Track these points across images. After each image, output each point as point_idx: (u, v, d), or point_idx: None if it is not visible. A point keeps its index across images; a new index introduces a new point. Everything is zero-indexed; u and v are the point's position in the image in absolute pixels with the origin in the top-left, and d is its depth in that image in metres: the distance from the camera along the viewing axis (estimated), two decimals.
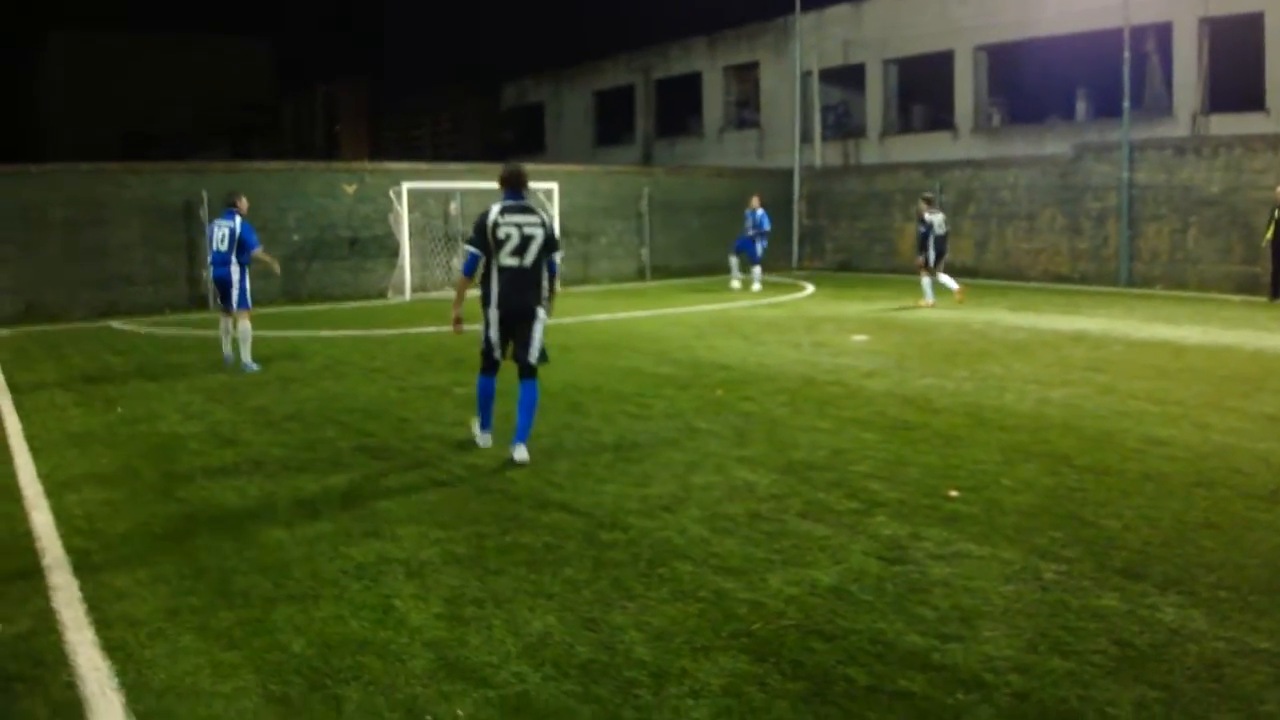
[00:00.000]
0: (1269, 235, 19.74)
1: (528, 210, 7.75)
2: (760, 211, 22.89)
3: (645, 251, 26.26)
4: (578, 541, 5.84)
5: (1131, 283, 22.77)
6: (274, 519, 6.41)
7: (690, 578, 5.26)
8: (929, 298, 18.55)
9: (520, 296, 7.68)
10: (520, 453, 7.66)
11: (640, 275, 25.90)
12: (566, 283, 23.35)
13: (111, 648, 4.59)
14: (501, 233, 7.56)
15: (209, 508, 6.73)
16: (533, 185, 22.98)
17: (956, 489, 6.77)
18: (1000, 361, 12.25)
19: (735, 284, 22.44)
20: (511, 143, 45.99)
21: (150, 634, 4.71)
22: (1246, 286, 21.17)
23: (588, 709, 3.93)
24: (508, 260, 7.59)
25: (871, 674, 4.21)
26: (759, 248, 22.82)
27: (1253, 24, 23.84)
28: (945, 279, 18.68)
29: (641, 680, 4.15)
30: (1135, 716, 3.89)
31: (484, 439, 8.18)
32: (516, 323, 7.74)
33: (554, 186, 23.57)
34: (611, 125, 41.49)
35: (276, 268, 14.21)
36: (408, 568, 5.46)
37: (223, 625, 4.78)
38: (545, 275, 7.80)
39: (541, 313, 7.79)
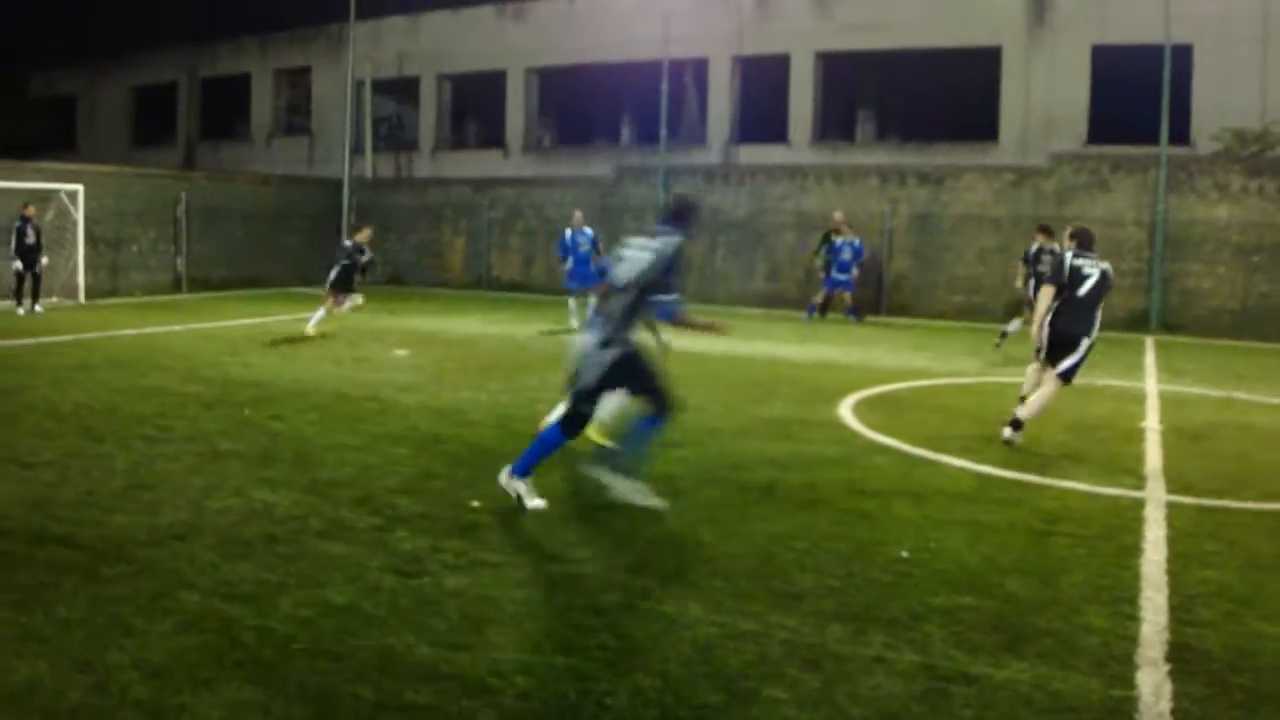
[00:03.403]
0: (819, 255, 21.74)
1: None
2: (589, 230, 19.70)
3: (182, 261, 24.75)
4: (76, 578, 5.34)
5: None
6: None
7: (197, 608, 4.97)
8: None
9: None
10: None
11: (176, 287, 24.38)
12: (91, 295, 21.60)
13: None
14: None
15: None
16: (56, 186, 21.21)
17: (479, 499, 6.88)
18: (537, 373, 12.64)
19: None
20: (38, 137, 41.79)
21: None
22: (768, 301, 23.24)
23: None
24: None
25: (379, 690, 4.17)
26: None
27: (779, 64, 26.28)
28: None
29: None
30: (630, 703, 4.11)
31: None
32: None
33: (79, 189, 21.69)
34: (152, 125, 38.82)
35: None
36: None
37: None
38: None
39: None
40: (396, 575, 5.46)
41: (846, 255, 21.29)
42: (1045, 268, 14.98)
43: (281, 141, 34.88)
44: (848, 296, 21.42)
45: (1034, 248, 15.80)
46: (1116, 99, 22.73)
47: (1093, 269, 9.86)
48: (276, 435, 8.87)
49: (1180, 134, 21.56)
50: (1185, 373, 14.31)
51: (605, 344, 6.60)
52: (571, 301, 17.66)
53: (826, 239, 21.72)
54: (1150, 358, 15.97)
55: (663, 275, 6.61)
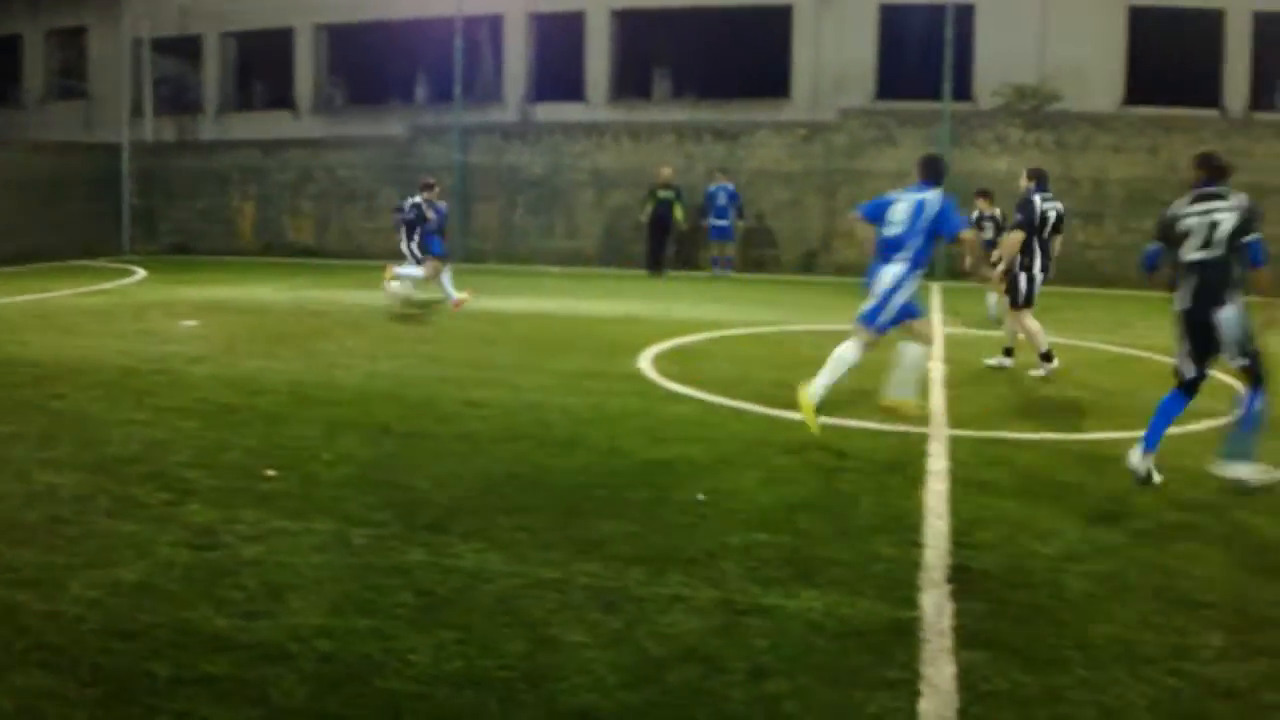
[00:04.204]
0: (648, 211, 21.85)
1: None
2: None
3: None
4: None
5: (468, 258, 24.04)
6: None
7: None
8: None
9: None
10: None
11: None
12: None
13: None
14: None
15: None
16: None
17: (275, 468, 6.75)
18: (333, 339, 12.39)
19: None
20: None
21: None
22: (567, 259, 23.33)
23: None
24: None
25: (175, 664, 4.08)
26: None
27: (575, 21, 26.20)
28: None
29: None
30: (433, 658, 4.15)
31: None
32: None
33: None
34: None
35: None
36: None
37: None
38: None
39: None
40: (190, 549, 5.33)
41: (722, 200, 21.45)
42: (989, 234, 14.88)
43: (56, 106, 32.84)
44: (728, 248, 21.74)
45: (974, 215, 15.21)
46: (903, 56, 23.55)
47: (1052, 209, 10.46)
48: (59, 415, 8.45)
49: (963, 90, 22.51)
50: (967, 316, 15.06)
51: (1235, 304, 6.51)
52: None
53: (652, 195, 21.88)
54: (936, 302, 16.73)
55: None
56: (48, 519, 5.84)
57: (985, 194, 15.53)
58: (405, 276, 15.07)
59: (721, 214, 21.57)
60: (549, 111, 26.42)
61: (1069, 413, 8.93)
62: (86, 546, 5.39)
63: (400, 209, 15.54)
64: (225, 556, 5.24)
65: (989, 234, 14.96)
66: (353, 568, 5.09)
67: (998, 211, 15.36)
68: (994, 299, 14.31)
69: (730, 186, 21.64)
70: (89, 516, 5.88)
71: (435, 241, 16.20)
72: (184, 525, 5.70)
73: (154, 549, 5.34)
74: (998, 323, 13.12)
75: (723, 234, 21.65)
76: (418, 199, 15.27)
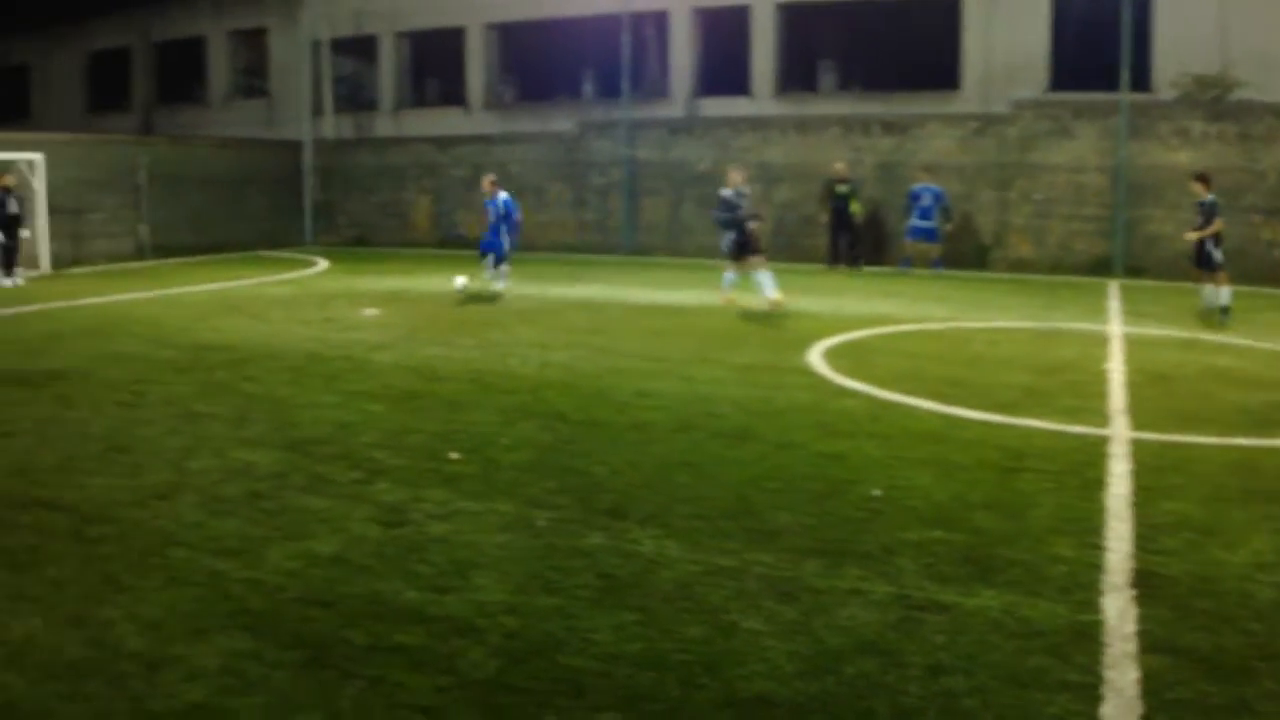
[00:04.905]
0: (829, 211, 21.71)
1: None
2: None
3: (144, 228, 24.48)
4: (63, 539, 5.42)
5: (635, 251, 24.32)
6: None
7: (185, 563, 5.07)
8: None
9: None
10: None
11: (140, 254, 24.10)
12: (55, 265, 21.34)
13: None
14: None
15: None
16: (13, 156, 20.88)
17: (457, 451, 6.97)
18: (506, 329, 12.68)
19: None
20: None
21: None
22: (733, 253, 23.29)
23: (76, 707, 3.73)
24: None
25: (370, 633, 4.29)
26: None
27: (739, 16, 26.18)
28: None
29: (134, 671, 3.99)
30: (615, 638, 4.26)
31: None
32: None
33: (38, 158, 21.30)
34: (107, 90, 38.12)
35: None
36: None
37: None
38: None
39: None
40: (380, 525, 5.57)
41: (926, 201, 20.90)
42: (1202, 219, 14.00)
43: (240, 104, 34.36)
44: (933, 249, 21.13)
45: (1208, 199, 14.11)
46: (1077, 45, 22.80)
47: None
48: (251, 397, 8.90)
49: (1141, 80, 21.66)
50: (1149, 315, 14.49)
51: None
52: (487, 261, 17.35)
53: (830, 191, 21.66)
54: (1114, 301, 16.17)
55: None
56: (246, 494, 6.17)
57: (1203, 179, 14.43)
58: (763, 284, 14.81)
59: (926, 214, 20.89)
60: (715, 106, 26.45)
61: (1257, 418, 8.51)
62: (283, 520, 5.68)
63: None
64: (414, 533, 5.46)
65: (1199, 220, 14.14)
66: (535, 549, 5.24)
67: (1210, 197, 14.17)
68: (1210, 291, 13.94)
69: (936, 188, 20.96)
70: (284, 492, 6.19)
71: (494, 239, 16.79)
72: (374, 503, 5.96)
73: (346, 524, 5.59)
74: (1223, 313, 13.47)
75: (926, 235, 20.99)
76: (728, 191, 15.14)
